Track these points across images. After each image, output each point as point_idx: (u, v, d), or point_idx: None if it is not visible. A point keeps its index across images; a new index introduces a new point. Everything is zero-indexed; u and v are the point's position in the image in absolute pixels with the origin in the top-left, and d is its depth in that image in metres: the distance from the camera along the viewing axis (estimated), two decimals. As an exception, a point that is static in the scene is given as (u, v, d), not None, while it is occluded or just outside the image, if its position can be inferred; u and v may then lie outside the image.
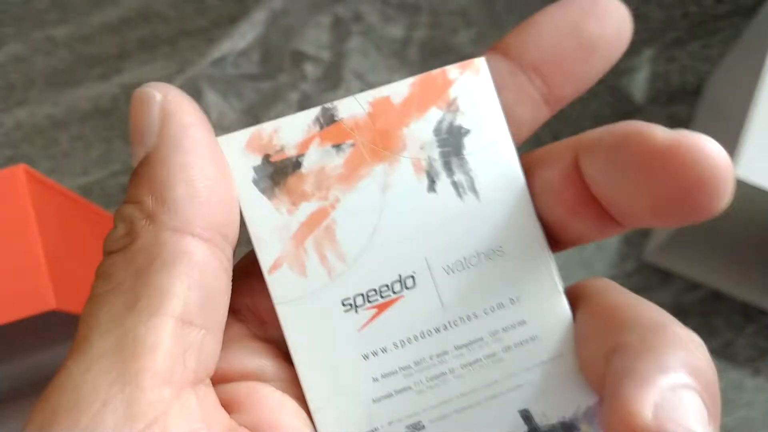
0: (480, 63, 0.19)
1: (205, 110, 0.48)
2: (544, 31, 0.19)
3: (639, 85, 0.52)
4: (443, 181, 0.19)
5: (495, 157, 0.19)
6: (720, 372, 0.47)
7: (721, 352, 0.47)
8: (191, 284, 0.17)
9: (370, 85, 0.50)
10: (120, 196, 0.51)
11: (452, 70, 0.19)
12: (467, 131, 0.19)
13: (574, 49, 0.19)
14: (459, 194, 0.19)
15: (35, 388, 0.38)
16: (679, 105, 0.52)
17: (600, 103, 0.52)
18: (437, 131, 0.19)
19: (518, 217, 0.19)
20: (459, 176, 0.19)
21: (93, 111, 0.53)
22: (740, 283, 0.47)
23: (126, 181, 0.51)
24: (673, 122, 0.51)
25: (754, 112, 0.37)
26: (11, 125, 0.53)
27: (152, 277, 0.17)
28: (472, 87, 0.19)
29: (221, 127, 0.49)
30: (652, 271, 0.48)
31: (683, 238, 0.45)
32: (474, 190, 0.19)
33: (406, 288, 0.19)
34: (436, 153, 0.19)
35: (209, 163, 0.18)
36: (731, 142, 0.38)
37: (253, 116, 0.49)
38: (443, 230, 0.19)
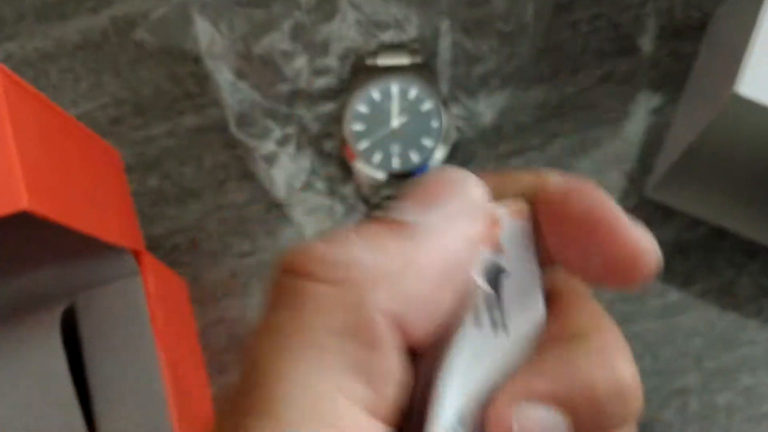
0: (523, 209, 0.20)
1: (195, 38, 0.47)
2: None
3: (642, 20, 0.51)
4: (485, 317, 0.20)
5: (525, 299, 0.20)
6: (722, 310, 0.46)
7: (723, 290, 0.46)
8: (397, 382, 0.16)
9: (367, 16, 0.48)
10: (108, 128, 0.50)
11: (502, 212, 0.20)
12: (507, 273, 0.20)
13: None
14: (494, 330, 0.20)
15: (14, 313, 0.37)
16: (683, 41, 0.50)
17: (602, 38, 0.50)
18: (486, 269, 0.20)
19: None
20: (496, 313, 0.20)
21: (82, 44, 0.52)
22: (743, 219, 0.46)
23: (115, 113, 0.50)
24: (677, 58, 0.50)
25: (759, 30, 0.36)
26: (1, 58, 0.52)
27: (373, 358, 0.16)
28: (515, 231, 0.20)
29: (212, 56, 0.47)
30: (653, 208, 0.47)
31: (685, 174, 0.44)
32: (505, 328, 0.20)
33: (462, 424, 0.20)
34: (484, 288, 0.20)
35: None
36: (735, 75, 0.37)
37: (245, 44, 0.47)
38: (482, 362, 0.20)
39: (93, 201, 0.34)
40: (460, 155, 0.49)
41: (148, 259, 0.39)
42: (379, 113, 0.47)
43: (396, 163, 0.46)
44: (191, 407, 0.41)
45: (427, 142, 0.46)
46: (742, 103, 0.35)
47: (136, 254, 0.39)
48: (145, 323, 0.38)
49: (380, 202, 0.46)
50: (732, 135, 0.38)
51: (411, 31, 0.49)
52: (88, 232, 0.32)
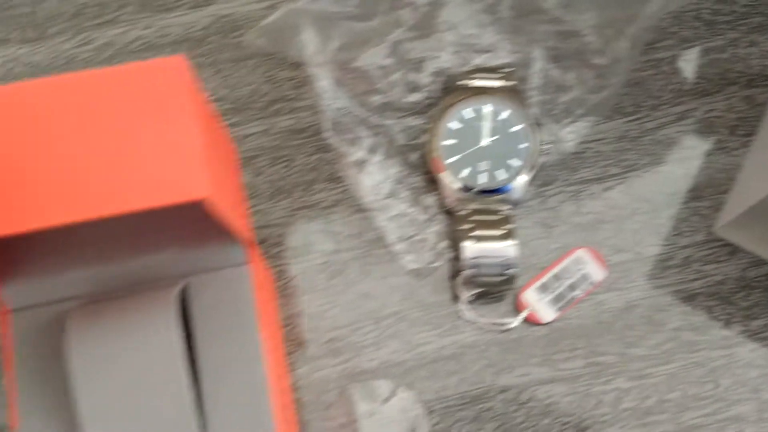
0: None
1: (301, 45, 0.49)
2: None
3: (719, 65, 0.53)
4: None
5: None
6: (779, 346, 0.49)
7: (782, 327, 0.49)
8: None
9: (462, 38, 0.51)
10: (209, 121, 0.52)
11: None
12: None
13: None
14: None
15: (133, 290, 0.40)
16: (758, 88, 0.53)
17: (680, 79, 0.53)
18: None
19: None
20: None
21: (184, 38, 0.54)
22: (808, 262, 0.48)
23: (219, 108, 0.52)
24: (751, 104, 0.52)
25: None
26: (102, 42, 0.54)
27: None
28: None
29: (315, 63, 0.50)
30: (721, 245, 0.50)
31: (754, 218, 0.46)
32: None
33: None
34: None
35: None
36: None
37: (346, 55, 0.50)
38: None
39: (233, 193, 0.36)
40: (541, 177, 0.51)
41: (256, 250, 0.42)
42: (470, 130, 0.50)
43: (482, 179, 0.49)
44: (281, 394, 0.43)
45: (514, 162, 0.49)
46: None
47: (248, 245, 0.41)
48: (251, 310, 0.41)
49: (467, 215, 0.48)
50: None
51: (503, 56, 0.51)
52: (231, 225, 0.34)
